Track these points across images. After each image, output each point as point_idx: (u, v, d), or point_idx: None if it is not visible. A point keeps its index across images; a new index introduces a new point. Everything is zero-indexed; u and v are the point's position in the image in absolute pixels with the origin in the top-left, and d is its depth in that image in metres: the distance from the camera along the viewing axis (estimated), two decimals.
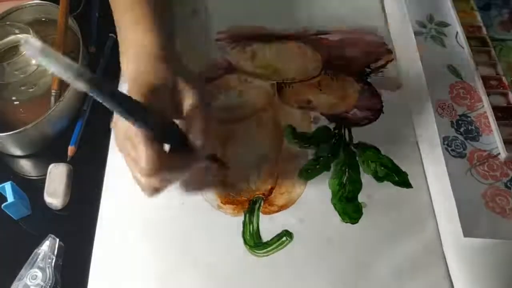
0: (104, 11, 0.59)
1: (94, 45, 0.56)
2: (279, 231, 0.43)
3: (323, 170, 0.47)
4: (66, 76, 0.28)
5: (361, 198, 0.45)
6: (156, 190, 0.40)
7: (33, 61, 0.53)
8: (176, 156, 0.39)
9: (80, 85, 0.28)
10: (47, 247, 0.42)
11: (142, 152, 0.36)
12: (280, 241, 0.43)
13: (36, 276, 0.41)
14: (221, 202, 0.45)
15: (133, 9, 0.46)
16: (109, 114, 0.50)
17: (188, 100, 0.40)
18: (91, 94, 0.29)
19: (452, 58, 0.54)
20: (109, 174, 0.47)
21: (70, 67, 0.28)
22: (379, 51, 0.56)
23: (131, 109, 0.34)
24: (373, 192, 0.46)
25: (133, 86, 0.40)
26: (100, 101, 0.31)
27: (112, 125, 0.40)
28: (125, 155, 0.40)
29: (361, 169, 0.47)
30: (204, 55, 0.55)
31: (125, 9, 0.46)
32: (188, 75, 0.42)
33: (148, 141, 0.36)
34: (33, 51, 0.26)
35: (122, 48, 0.46)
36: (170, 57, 0.42)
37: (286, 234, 0.43)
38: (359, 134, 0.49)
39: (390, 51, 0.56)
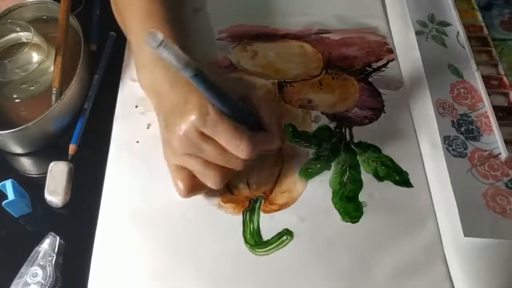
0: (105, 9, 0.59)
1: (95, 43, 0.56)
2: (279, 230, 0.43)
3: (323, 169, 0.47)
4: (178, 65, 0.34)
5: (361, 197, 0.45)
6: (225, 180, 0.42)
7: (34, 59, 0.53)
8: (264, 135, 0.42)
9: (186, 73, 0.35)
10: (48, 245, 0.42)
11: (238, 136, 0.38)
12: (280, 240, 0.43)
13: (37, 274, 0.41)
14: (222, 201, 0.45)
15: (149, 19, 0.46)
16: (111, 113, 0.50)
17: (253, 93, 0.42)
18: (193, 81, 0.36)
19: (453, 57, 0.54)
20: (110, 173, 0.47)
21: (182, 58, 0.34)
22: (380, 51, 0.56)
23: (223, 98, 0.38)
24: (373, 191, 0.46)
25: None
26: (200, 89, 0.37)
27: (172, 130, 0.40)
28: (189, 157, 0.40)
29: (361, 168, 0.47)
30: (205, 53, 0.55)
31: (141, 19, 0.47)
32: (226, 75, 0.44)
33: (237, 126, 0.38)
34: (154, 43, 0.33)
35: (137, 60, 0.47)
36: None
37: (287, 233, 0.43)
38: (360, 134, 0.49)
39: (391, 51, 0.56)
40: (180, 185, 0.42)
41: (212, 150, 0.39)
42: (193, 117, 0.38)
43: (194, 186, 0.42)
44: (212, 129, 0.38)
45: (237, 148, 0.38)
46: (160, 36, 0.33)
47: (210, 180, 0.41)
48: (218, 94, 0.37)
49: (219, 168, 0.40)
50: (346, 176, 0.47)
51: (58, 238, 0.43)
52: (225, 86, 0.39)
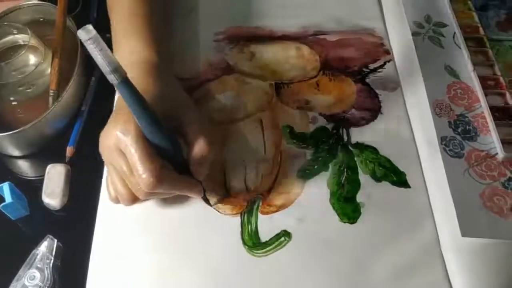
0: (102, 11, 0.59)
1: None
2: (277, 231, 0.43)
3: (321, 170, 0.47)
4: (105, 67, 0.32)
5: (359, 198, 0.45)
6: (136, 201, 0.41)
7: (31, 62, 0.53)
8: (177, 175, 0.40)
9: (113, 78, 0.33)
10: (45, 248, 0.42)
11: (145, 165, 0.36)
12: (278, 241, 0.43)
13: (34, 276, 0.41)
14: (219, 202, 0.45)
15: (131, 20, 0.46)
16: (108, 115, 0.50)
17: (192, 128, 0.40)
18: (117, 89, 0.34)
19: (450, 58, 0.54)
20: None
21: (111, 61, 0.32)
22: (377, 52, 0.56)
23: (148, 113, 0.36)
24: (371, 192, 0.46)
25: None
26: (124, 98, 0.35)
27: (102, 135, 0.40)
28: (111, 166, 0.40)
29: (359, 169, 0.47)
30: (202, 55, 0.55)
31: (123, 18, 0.47)
32: (184, 97, 0.43)
33: (150, 155, 0.37)
34: (85, 37, 0.31)
35: (116, 54, 0.46)
36: (162, 73, 0.43)
37: (285, 234, 0.43)
38: (357, 134, 0.49)
39: (388, 52, 0.56)
40: (111, 190, 0.42)
41: (123, 168, 0.38)
42: (116, 131, 0.38)
43: None
44: (126, 148, 0.37)
45: (140, 176, 0.36)
46: (92, 31, 0.31)
47: (119, 193, 0.40)
48: (141, 111, 0.35)
49: (128, 188, 0.40)
50: (344, 177, 0.47)
51: (55, 240, 0.43)
52: (164, 108, 0.38)
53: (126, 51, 0.44)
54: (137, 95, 0.35)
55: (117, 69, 0.33)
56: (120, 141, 0.37)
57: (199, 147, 0.40)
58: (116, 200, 0.42)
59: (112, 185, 0.41)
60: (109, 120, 0.40)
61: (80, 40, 0.32)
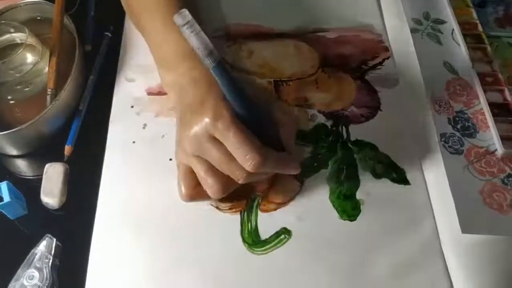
0: (99, 9, 0.59)
1: (90, 44, 0.56)
2: (277, 229, 0.43)
3: (321, 168, 0.47)
4: (201, 51, 0.33)
5: (359, 195, 0.45)
6: (226, 192, 0.40)
7: (29, 60, 0.52)
8: (277, 152, 0.39)
9: (207, 62, 0.34)
10: (44, 247, 0.42)
11: (247, 145, 0.36)
12: (278, 239, 0.43)
13: (33, 276, 0.41)
14: (219, 200, 0.45)
15: (159, 11, 0.45)
16: (106, 113, 0.50)
17: (277, 104, 0.42)
18: (212, 72, 0.35)
19: (449, 55, 0.54)
20: (106, 173, 0.46)
21: (207, 44, 0.33)
22: (375, 49, 0.56)
23: (242, 97, 0.36)
24: (371, 189, 0.46)
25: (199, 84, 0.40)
26: (219, 80, 0.35)
27: (190, 131, 0.39)
28: (197, 159, 0.39)
29: (359, 166, 0.47)
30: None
31: (151, 13, 0.46)
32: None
33: (249, 135, 0.36)
34: (181, 22, 0.32)
35: (158, 55, 0.46)
36: None
37: (285, 232, 0.43)
38: (356, 132, 0.49)
39: (386, 49, 0.56)
40: (183, 189, 0.41)
41: (219, 155, 0.37)
42: (206, 119, 0.37)
43: (196, 193, 0.41)
44: (222, 133, 0.36)
45: (244, 158, 0.36)
46: (188, 16, 0.32)
47: (210, 187, 0.39)
48: (237, 92, 0.36)
49: (222, 177, 0.39)
50: (343, 174, 0.47)
51: (54, 240, 0.42)
52: (248, 91, 0.38)
53: (175, 43, 0.44)
54: (232, 75, 0.35)
55: (212, 52, 0.33)
56: (213, 127, 0.36)
57: (289, 121, 0.41)
58: (190, 198, 0.41)
59: (184, 182, 0.41)
60: (185, 116, 0.40)
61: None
